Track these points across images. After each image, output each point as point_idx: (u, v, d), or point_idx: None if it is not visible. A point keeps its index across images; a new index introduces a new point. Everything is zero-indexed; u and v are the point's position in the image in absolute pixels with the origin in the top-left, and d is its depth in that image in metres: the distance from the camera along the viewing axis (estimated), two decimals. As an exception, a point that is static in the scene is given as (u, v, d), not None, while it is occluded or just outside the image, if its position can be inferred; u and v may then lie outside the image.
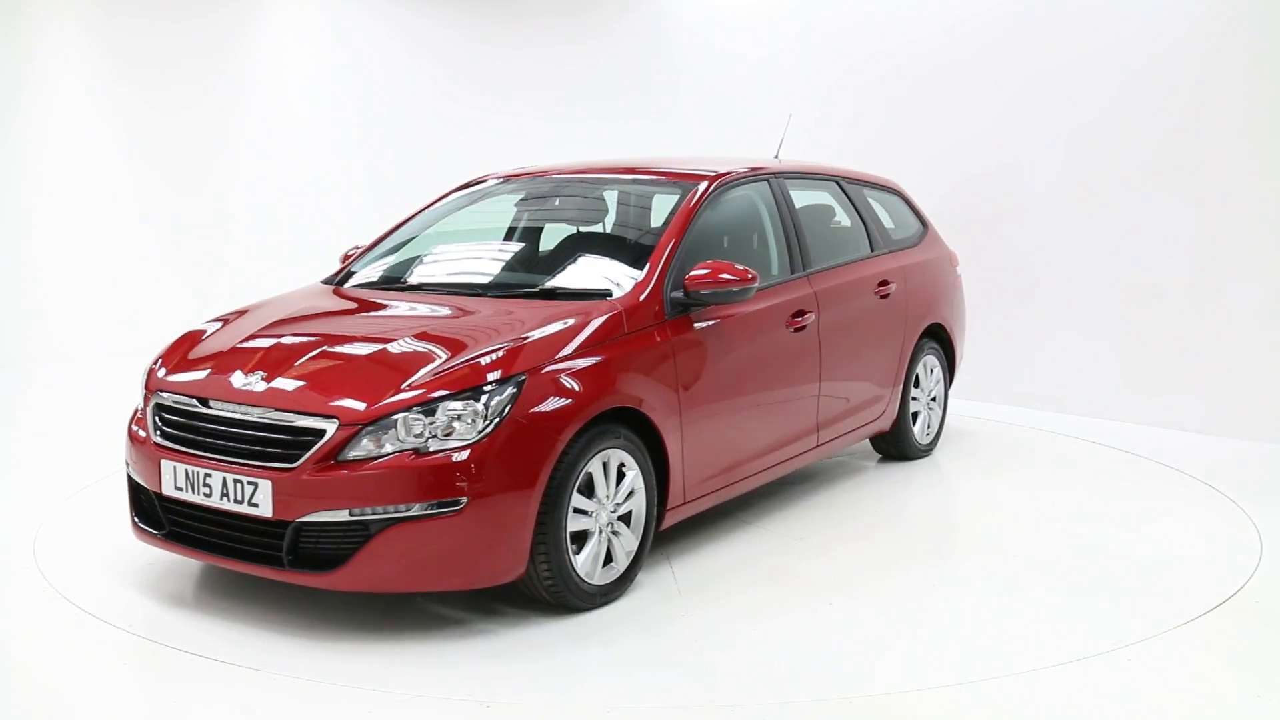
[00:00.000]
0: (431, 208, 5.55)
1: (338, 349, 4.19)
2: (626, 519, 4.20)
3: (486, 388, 3.81)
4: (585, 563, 4.00)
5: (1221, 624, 4.00)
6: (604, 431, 4.03)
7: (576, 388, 3.95)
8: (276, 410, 3.86)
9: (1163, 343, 7.05)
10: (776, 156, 6.08)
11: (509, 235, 5.37)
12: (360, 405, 3.77)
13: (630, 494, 4.18)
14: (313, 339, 4.31)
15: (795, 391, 5.09)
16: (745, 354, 4.76)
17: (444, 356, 3.94)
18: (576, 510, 3.97)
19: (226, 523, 3.93)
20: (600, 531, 4.07)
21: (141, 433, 4.25)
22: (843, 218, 5.91)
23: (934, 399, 6.27)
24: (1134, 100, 7.09)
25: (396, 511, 3.67)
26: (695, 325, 4.50)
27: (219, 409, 4.01)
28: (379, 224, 9.97)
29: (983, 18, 7.85)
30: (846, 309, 5.41)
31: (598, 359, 4.08)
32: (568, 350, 4.03)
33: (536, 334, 4.06)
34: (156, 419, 4.21)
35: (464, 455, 3.70)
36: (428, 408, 3.75)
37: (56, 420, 7.42)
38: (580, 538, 4.02)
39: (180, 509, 4.08)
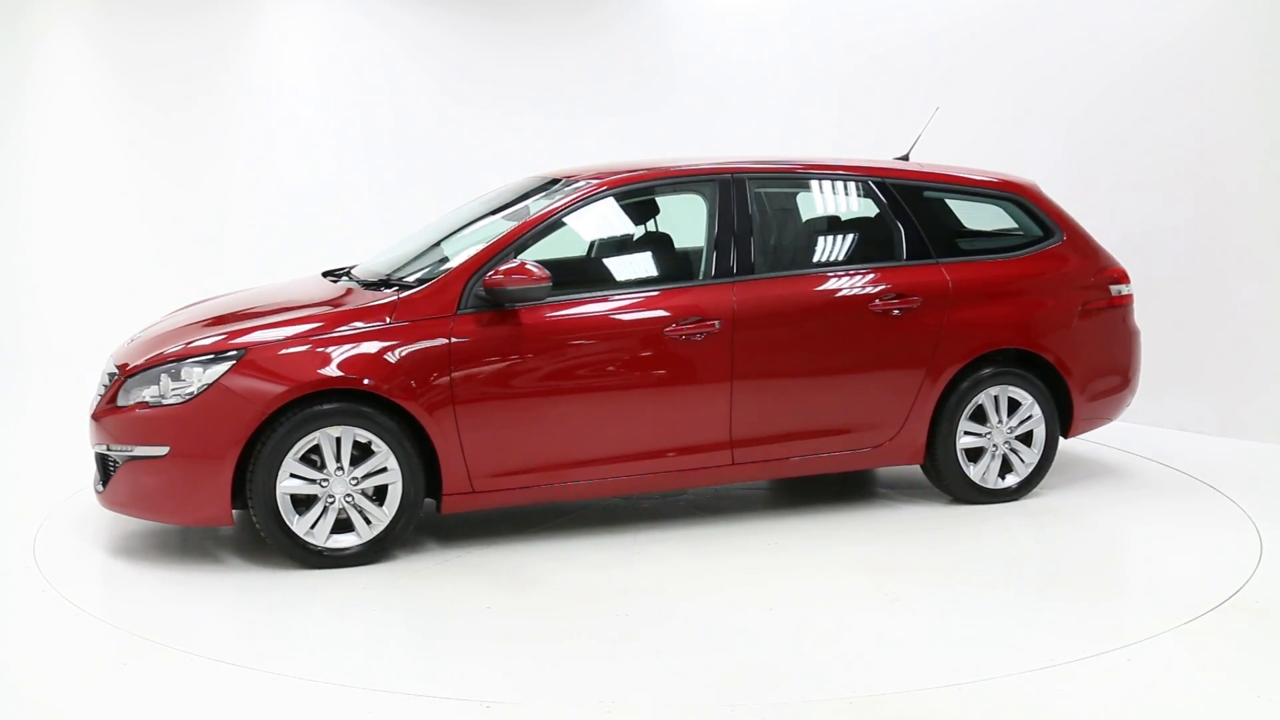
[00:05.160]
0: (457, 209, 5.71)
1: (198, 318, 4.95)
2: (384, 494, 4.56)
3: (208, 357, 4.45)
4: (305, 525, 4.48)
5: (1221, 624, 3.99)
6: (339, 410, 4.45)
7: (291, 367, 4.44)
8: (113, 363, 4.80)
9: (1163, 343, 7.05)
10: (907, 157, 5.85)
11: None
12: (133, 362, 4.62)
13: (382, 471, 4.54)
14: (209, 311, 5.08)
15: (678, 402, 4.85)
16: (579, 356, 4.72)
17: (227, 329, 4.63)
18: (296, 476, 4.44)
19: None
20: (332, 500, 4.49)
21: None
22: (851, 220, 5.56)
23: (1019, 438, 5.35)
24: (1133, 99, 7.09)
25: (125, 451, 4.50)
26: (502, 322, 4.63)
27: (109, 364, 4.89)
28: (379, 222, 10.07)
29: (983, 19, 7.85)
30: (799, 320, 4.99)
31: (329, 344, 4.50)
32: (293, 333, 4.54)
33: (279, 318, 4.65)
34: None
35: (169, 413, 4.42)
36: (172, 368, 4.47)
37: (56, 420, 7.42)
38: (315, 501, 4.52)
39: None
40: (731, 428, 4.94)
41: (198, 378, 4.42)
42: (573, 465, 4.78)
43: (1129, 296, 5.64)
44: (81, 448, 5.86)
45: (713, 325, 4.85)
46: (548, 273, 4.61)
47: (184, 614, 4.14)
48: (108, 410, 4.58)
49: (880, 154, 6.19)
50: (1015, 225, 5.62)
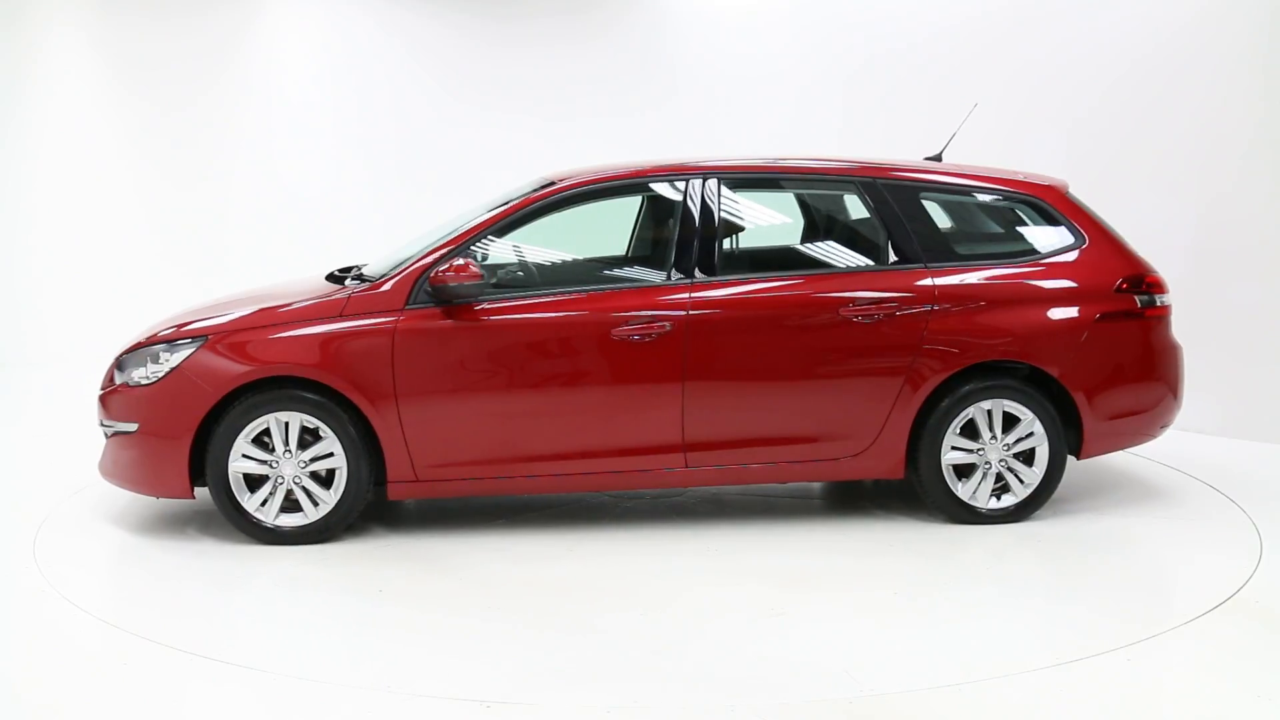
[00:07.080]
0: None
1: (198, 308, 5.29)
2: (331, 479, 4.82)
3: (180, 342, 4.83)
4: (254, 503, 4.80)
5: (1221, 624, 4.00)
6: (287, 396, 4.74)
7: (243, 355, 4.76)
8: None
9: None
10: (939, 157, 5.68)
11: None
12: (128, 344, 5.03)
13: (329, 456, 4.80)
14: (210, 303, 5.40)
15: (624, 402, 4.85)
16: (521, 353, 4.83)
17: (199, 317, 4.97)
18: (248, 456, 4.76)
19: None
20: (280, 481, 4.79)
21: None
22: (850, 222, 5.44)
23: (1017, 455, 5.04)
24: (1133, 99, 7.10)
25: (110, 425, 4.94)
26: (446, 318, 4.80)
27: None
28: (379, 222, 10.07)
29: (982, 19, 7.86)
30: (757, 324, 4.87)
31: (283, 335, 4.79)
32: (252, 324, 4.84)
33: (246, 310, 4.94)
34: None
35: (142, 393, 4.82)
36: (154, 352, 4.85)
37: (56, 420, 7.42)
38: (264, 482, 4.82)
39: None
40: (684, 431, 4.89)
41: (167, 361, 4.80)
42: (517, 460, 4.87)
43: (1164, 308, 5.23)
44: (81, 447, 5.88)
45: (663, 326, 4.82)
46: (481, 271, 4.82)
47: (183, 613, 4.14)
48: (106, 388, 5.01)
49: (882, 153, 6.17)
50: (1035, 229, 5.32)
